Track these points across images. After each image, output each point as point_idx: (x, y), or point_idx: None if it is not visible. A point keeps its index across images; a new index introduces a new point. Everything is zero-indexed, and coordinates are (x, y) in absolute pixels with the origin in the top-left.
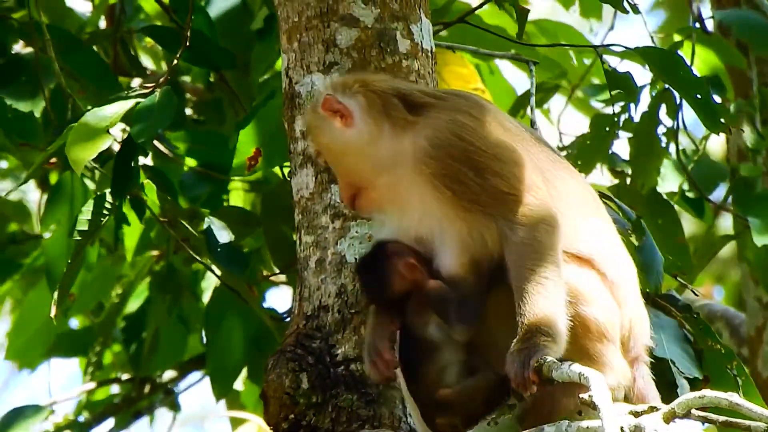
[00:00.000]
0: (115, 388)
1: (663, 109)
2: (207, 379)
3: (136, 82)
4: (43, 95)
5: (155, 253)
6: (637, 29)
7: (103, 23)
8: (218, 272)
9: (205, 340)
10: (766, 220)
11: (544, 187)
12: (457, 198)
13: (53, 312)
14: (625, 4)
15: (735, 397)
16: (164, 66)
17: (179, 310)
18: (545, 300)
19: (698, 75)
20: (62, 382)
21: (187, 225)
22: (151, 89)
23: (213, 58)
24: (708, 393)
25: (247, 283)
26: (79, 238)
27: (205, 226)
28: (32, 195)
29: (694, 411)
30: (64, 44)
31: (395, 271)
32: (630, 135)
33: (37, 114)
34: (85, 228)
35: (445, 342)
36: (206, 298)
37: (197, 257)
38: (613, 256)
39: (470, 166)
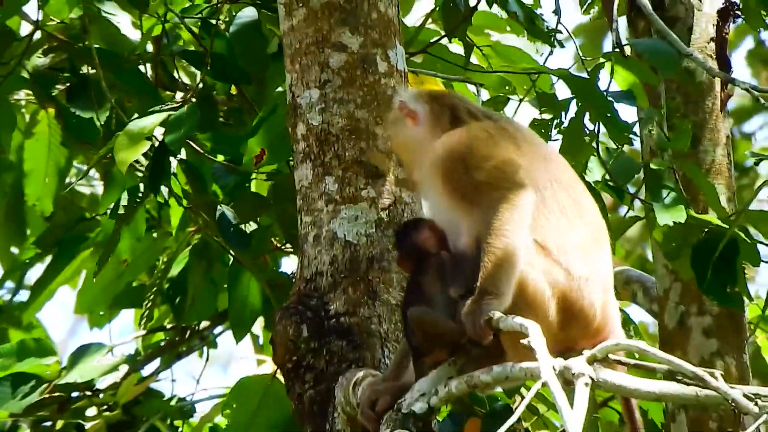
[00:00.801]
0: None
1: (587, 116)
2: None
3: (179, 95)
4: (99, 107)
5: (192, 229)
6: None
7: (150, 47)
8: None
9: (228, 297)
10: (666, 205)
11: (531, 188)
12: (455, 191)
13: (94, 276)
14: (554, 41)
15: (642, 344)
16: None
17: (211, 274)
18: (495, 267)
19: (616, 91)
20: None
21: (203, 214)
22: (180, 103)
23: (231, 75)
24: (622, 341)
25: (258, 254)
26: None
27: (218, 213)
28: (100, 189)
29: (610, 355)
30: (115, 65)
31: (416, 238)
32: (561, 137)
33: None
34: (122, 212)
35: (441, 296)
36: None
37: (214, 237)
38: (580, 255)
39: (463, 166)
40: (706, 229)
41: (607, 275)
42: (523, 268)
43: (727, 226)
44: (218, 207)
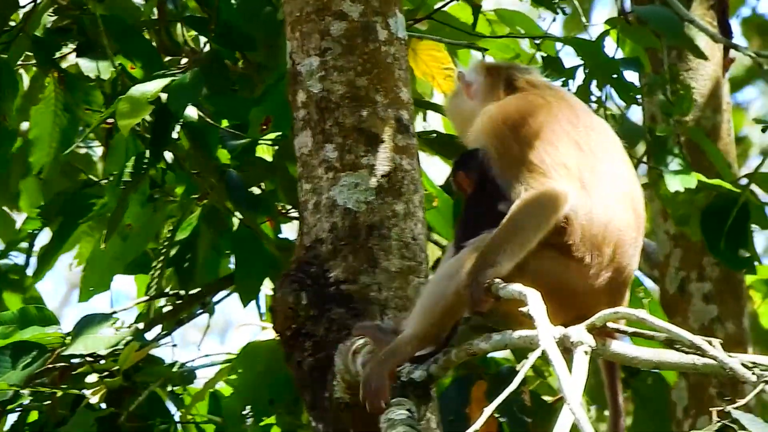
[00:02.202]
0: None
1: (594, 83)
2: (232, 296)
3: (184, 61)
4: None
5: (196, 196)
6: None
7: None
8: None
9: (234, 261)
10: (675, 171)
11: (573, 170)
12: (500, 157)
13: (102, 244)
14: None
15: (642, 313)
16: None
17: (219, 240)
18: (500, 240)
19: (621, 57)
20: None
21: (210, 178)
22: (184, 69)
23: (236, 41)
24: (621, 309)
25: (267, 218)
26: (123, 187)
27: (226, 177)
28: (98, 150)
29: (609, 323)
30: (119, 30)
31: (457, 175)
32: None
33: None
34: (128, 179)
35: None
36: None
37: (219, 202)
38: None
39: (515, 136)
40: (714, 194)
41: (635, 251)
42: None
43: (738, 190)
44: (226, 171)
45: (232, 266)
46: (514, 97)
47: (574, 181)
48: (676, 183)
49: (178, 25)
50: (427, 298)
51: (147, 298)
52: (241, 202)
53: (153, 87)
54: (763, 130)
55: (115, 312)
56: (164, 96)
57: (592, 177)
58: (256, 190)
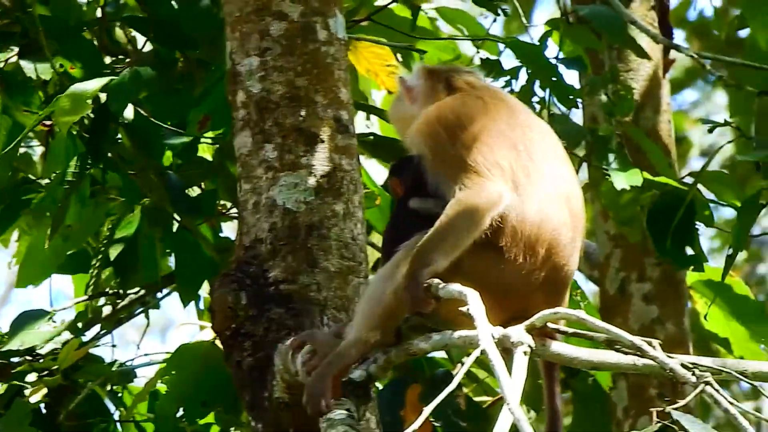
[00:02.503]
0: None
1: (537, 83)
2: (174, 295)
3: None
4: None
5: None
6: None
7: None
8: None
9: (174, 261)
10: (621, 169)
11: (507, 170)
12: (435, 158)
13: (47, 243)
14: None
15: (581, 313)
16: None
17: (163, 239)
18: (435, 240)
19: (561, 58)
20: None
21: (152, 177)
22: (122, 68)
23: (176, 40)
24: (560, 310)
25: (206, 218)
26: (67, 186)
27: (165, 179)
28: (38, 149)
29: (549, 324)
30: (60, 31)
31: (390, 180)
32: None
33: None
34: (72, 179)
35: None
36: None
37: (158, 202)
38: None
39: (450, 136)
40: (652, 193)
41: (572, 252)
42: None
43: (686, 188)
44: (165, 172)
45: (171, 265)
46: (451, 98)
47: (507, 181)
48: (622, 181)
49: (118, 26)
50: (367, 303)
51: (86, 297)
52: (179, 204)
53: (92, 86)
54: (710, 131)
55: (54, 311)
56: (104, 95)
57: (526, 177)
58: (196, 190)
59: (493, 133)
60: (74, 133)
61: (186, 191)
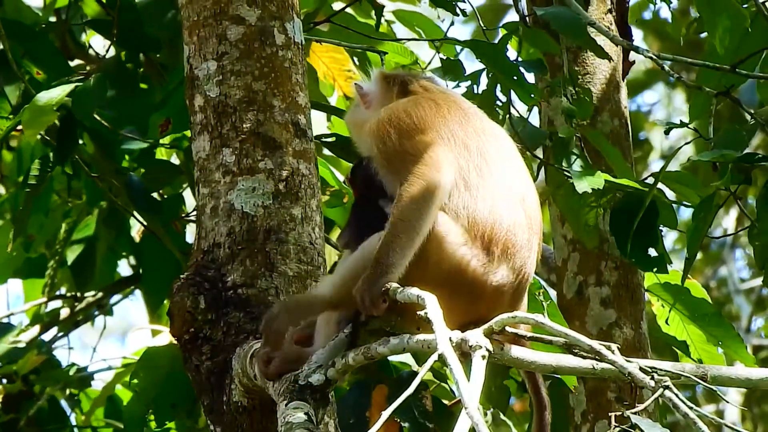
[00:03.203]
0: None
1: (499, 87)
2: (129, 299)
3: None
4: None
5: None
6: (472, 22)
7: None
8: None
9: (140, 266)
10: (582, 172)
11: (457, 168)
12: (384, 157)
13: (9, 246)
14: (458, 10)
15: (539, 317)
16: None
17: (118, 242)
18: (390, 243)
19: (520, 60)
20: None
21: (113, 181)
22: (86, 75)
23: (138, 43)
24: (519, 314)
25: (169, 221)
26: (28, 189)
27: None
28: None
29: (507, 328)
30: (23, 35)
31: (349, 179)
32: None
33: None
34: (34, 182)
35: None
36: (134, 232)
37: (122, 205)
38: (503, 232)
39: (397, 132)
40: (611, 195)
41: (529, 254)
42: (435, 242)
43: (646, 189)
44: (127, 174)
45: (127, 268)
46: (404, 100)
47: (456, 174)
48: (584, 184)
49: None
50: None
51: (44, 299)
52: (141, 206)
53: (58, 93)
54: (667, 132)
55: (11, 314)
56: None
57: (479, 177)
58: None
59: (443, 133)
60: (38, 137)
61: (150, 194)
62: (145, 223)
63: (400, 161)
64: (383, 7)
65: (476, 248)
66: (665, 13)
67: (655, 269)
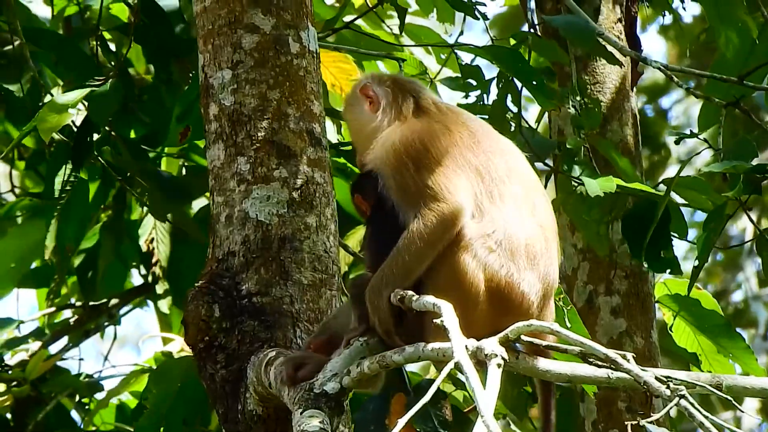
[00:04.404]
0: (68, 313)
1: (509, 97)
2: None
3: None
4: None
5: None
6: (478, 35)
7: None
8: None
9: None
10: (593, 179)
11: (471, 196)
12: (399, 187)
13: (47, 254)
14: (476, 13)
15: (555, 326)
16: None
17: (120, 250)
18: (387, 275)
19: (536, 68)
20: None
21: (141, 180)
22: (103, 81)
23: (169, 48)
24: (534, 322)
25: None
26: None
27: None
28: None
29: (523, 336)
30: (51, 42)
31: (354, 197)
32: (486, 117)
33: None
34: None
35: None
36: (141, 242)
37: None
38: (525, 251)
39: (415, 164)
40: (620, 205)
41: (551, 261)
42: (460, 257)
43: (660, 193)
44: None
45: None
46: (418, 124)
47: (470, 204)
48: (596, 187)
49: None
50: None
51: (53, 309)
52: (174, 195)
53: (73, 96)
54: (677, 143)
55: (22, 321)
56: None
57: (490, 201)
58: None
59: (460, 161)
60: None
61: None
62: (172, 221)
63: (418, 194)
64: (407, 9)
65: (503, 258)
66: (687, 18)
67: (668, 270)
